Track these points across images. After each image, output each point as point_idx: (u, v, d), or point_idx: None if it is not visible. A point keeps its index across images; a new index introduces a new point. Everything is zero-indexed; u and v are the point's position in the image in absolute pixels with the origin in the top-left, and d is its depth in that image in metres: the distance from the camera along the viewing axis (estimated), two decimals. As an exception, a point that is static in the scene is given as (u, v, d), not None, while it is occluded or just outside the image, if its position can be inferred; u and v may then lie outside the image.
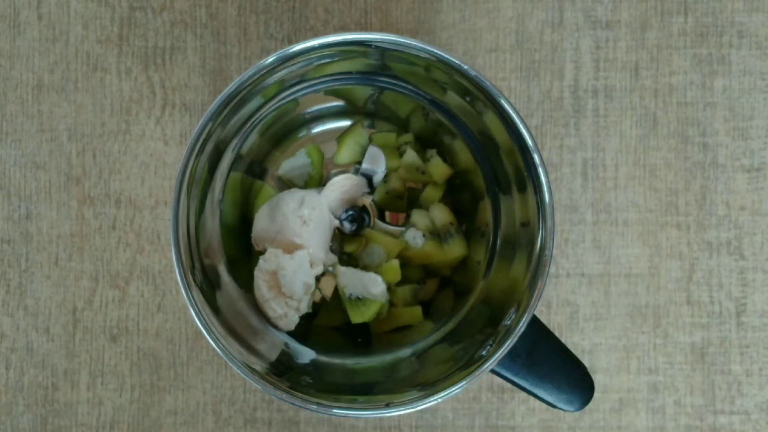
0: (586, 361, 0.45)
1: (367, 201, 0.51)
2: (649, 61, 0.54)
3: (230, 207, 0.49)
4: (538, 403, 0.52)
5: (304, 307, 0.47)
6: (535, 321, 0.43)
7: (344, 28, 0.54)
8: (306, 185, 0.51)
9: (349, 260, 0.51)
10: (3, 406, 0.54)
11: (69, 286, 0.54)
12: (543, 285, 0.42)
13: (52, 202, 0.54)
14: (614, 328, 0.54)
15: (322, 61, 0.45)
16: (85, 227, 0.54)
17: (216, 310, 0.44)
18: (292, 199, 0.48)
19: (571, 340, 0.54)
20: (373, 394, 0.45)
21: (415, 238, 0.50)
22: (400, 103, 0.50)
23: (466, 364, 0.43)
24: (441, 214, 0.50)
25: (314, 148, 0.51)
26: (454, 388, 0.42)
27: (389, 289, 0.49)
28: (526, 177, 0.43)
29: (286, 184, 0.51)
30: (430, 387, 0.43)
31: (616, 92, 0.54)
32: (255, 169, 0.51)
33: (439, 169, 0.50)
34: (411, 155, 0.50)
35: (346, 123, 0.51)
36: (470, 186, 0.50)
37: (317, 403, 0.42)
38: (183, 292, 0.41)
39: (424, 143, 0.51)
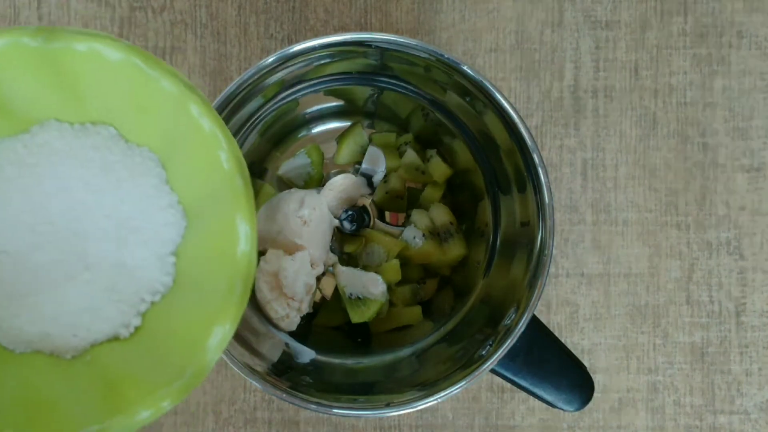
0: (585, 361, 0.45)
1: (367, 201, 0.51)
2: (648, 61, 0.54)
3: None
4: (537, 402, 0.52)
5: (306, 308, 0.47)
6: (534, 321, 0.43)
7: (344, 29, 0.54)
8: (306, 185, 0.51)
9: (349, 260, 0.51)
10: (3, 406, 0.54)
11: (69, 286, 0.54)
12: (543, 285, 0.42)
13: (52, 202, 0.54)
14: (614, 327, 0.54)
15: (322, 62, 0.45)
16: (86, 227, 0.54)
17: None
18: (292, 199, 0.48)
19: (570, 340, 0.54)
20: (373, 394, 0.45)
21: (414, 237, 0.50)
22: (399, 103, 0.50)
23: (465, 364, 0.43)
24: (441, 214, 0.50)
25: (314, 148, 0.51)
26: (453, 388, 0.42)
27: (389, 288, 0.49)
28: (525, 177, 0.44)
29: (286, 184, 0.51)
30: (429, 386, 0.43)
31: (616, 92, 0.54)
32: (255, 169, 0.51)
33: (438, 169, 0.50)
34: (411, 155, 0.50)
35: (346, 123, 0.51)
36: (470, 186, 0.50)
37: (317, 403, 0.42)
38: (183, 292, 0.41)
39: (423, 143, 0.51)
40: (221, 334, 0.32)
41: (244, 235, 0.32)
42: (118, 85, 0.32)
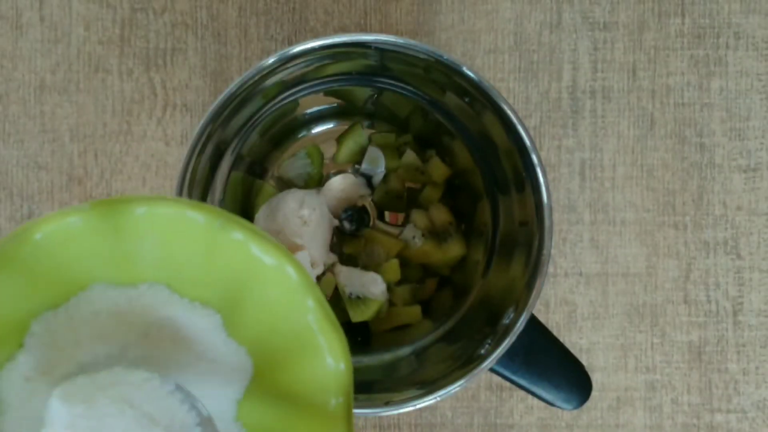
0: (584, 360, 0.45)
1: (367, 201, 0.51)
2: (646, 62, 0.55)
3: (231, 207, 0.49)
4: (536, 401, 0.52)
5: (305, 307, 0.47)
6: (533, 320, 0.43)
7: (344, 30, 0.54)
8: (306, 185, 0.51)
9: (349, 260, 0.51)
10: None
11: (71, 285, 0.54)
12: (541, 284, 0.42)
13: (54, 203, 0.54)
14: (612, 327, 0.54)
15: (322, 63, 0.45)
16: (87, 227, 0.54)
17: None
18: (292, 199, 0.48)
19: (569, 339, 0.54)
20: (373, 393, 0.45)
21: (414, 237, 0.50)
22: (399, 103, 0.50)
23: (465, 363, 0.43)
24: (440, 214, 0.50)
25: (314, 148, 0.51)
26: (453, 387, 0.42)
27: (389, 288, 0.49)
28: (524, 177, 0.44)
29: (286, 184, 0.51)
30: (429, 385, 0.43)
31: (614, 93, 0.54)
32: (255, 169, 0.51)
33: (438, 169, 0.50)
34: (410, 155, 0.50)
35: (345, 123, 0.51)
36: (469, 186, 0.50)
37: (317, 402, 0.42)
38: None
39: (423, 143, 0.51)
40: None
41: None
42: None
